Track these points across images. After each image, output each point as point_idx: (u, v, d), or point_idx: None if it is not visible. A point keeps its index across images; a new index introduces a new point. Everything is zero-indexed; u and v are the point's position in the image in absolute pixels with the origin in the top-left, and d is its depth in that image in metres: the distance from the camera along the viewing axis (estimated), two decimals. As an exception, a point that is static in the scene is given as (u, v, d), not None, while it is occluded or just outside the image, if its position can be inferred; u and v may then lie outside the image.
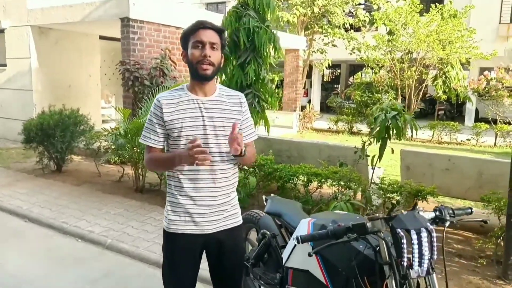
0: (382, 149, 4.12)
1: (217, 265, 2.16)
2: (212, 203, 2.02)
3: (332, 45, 15.37)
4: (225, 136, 2.00)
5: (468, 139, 11.77)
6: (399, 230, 1.68)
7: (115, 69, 7.77)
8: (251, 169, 5.25)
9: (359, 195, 4.97)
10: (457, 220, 1.86)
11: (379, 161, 4.22)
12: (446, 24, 11.80)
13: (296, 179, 5.07)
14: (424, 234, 1.67)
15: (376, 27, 14.93)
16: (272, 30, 4.89)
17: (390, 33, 13.00)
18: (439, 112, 17.82)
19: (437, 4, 12.60)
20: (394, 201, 4.57)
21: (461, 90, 12.35)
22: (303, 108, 14.50)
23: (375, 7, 13.99)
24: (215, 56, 1.96)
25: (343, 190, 4.69)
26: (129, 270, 3.82)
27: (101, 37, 11.04)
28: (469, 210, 1.96)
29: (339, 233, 1.77)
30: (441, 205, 1.90)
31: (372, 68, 13.72)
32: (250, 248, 3.09)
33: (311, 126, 13.86)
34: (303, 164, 5.11)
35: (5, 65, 9.85)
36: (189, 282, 2.13)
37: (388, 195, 4.54)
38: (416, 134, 4.16)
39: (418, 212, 1.79)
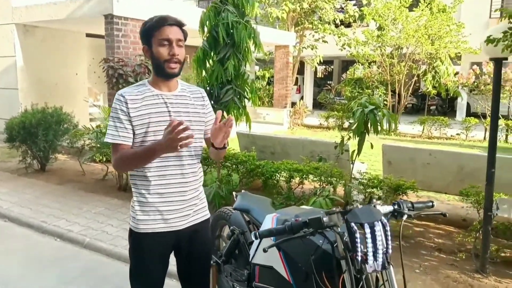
0: (360, 144, 4.11)
1: (186, 261, 2.13)
2: (182, 199, 1.99)
3: (323, 41, 15.34)
4: (191, 131, 1.98)
5: (458, 134, 11.79)
6: (352, 224, 1.66)
7: (99, 66, 7.70)
8: (234, 166, 5.23)
9: (341, 191, 4.96)
10: (416, 214, 1.84)
11: (358, 156, 4.21)
12: (435, 18, 11.78)
13: (279, 175, 5.05)
14: (378, 228, 1.64)
15: (367, 23, 14.92)
16: (253, 26, 4.84)
17: (379, 28, 12.98)
18: (431, 107, 17.85)
19: (426, -2, 12.60)
20: (376, 196, 4.56)
21: (451, 85, 12.36)
22: (294, 104, 14.46)
23: (364, 2, 13.96)
24: (182, 53, 1.95)
25: (324, 185, 4.67)
26: (106, 269, 3.78)
27: (89, 35, 10.94)
28: (430, 204, 1.94)
29: (296, 228, 1.74)
30: (400, 199, 1.88)
31: (362, 64, 13.71)
32: (224, 245, 3.06)
33: (302, 122, 13.84)
34: (285, 160, 5.08)
35: (-10, 64, 9.75)
36: (159, 282, 2.09)
37: (369, 190, 4.52)
38: (396, 128, 4.14)
39: (374, 206, 1.77)
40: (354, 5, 16.07)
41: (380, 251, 1.64)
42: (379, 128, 4.12)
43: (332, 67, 26.01)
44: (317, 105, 20.16)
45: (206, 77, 4.76)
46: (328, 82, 25.95)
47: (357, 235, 1.63)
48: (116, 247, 4.08)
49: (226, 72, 4.58)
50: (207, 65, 4.80)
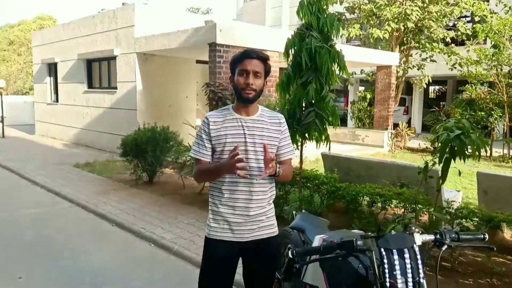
0: (445, 170, 3.87)
1: (250, 272, 2.35)
2: (247, 213, 2.22)
3: (431, 60, 14.52)
4: (264, 153, 2.19)
5: None
6: (382, 249, 1.67)
7: (201, 90, 8.41)
8: (315, 187, 5.28)
9: (426, 219, 4.68)
10: (458, 245, 1.76)
11: (443, 183, 3.96)
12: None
13: (360, 199, 4.96)
14: (407, 255, 1.63)
15: (484, 40, 13.76)
16: (337, 49, 4.91)
17: (494, 46, 11.87)
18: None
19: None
20: (465, 228, 4.23)
21: None
22: (397, 126, 13.84)
23: (477, 19, 12.93)
24: (258, 83, 2.19)
25: (407, 212, 4.47)
26: (188, 276, 4.13)
27: (199, 61, 12.00)
28: (481, 236, 1.83)
29: (329, 249, 1.81)
30: (444, 228, 1.81)
31: (473, 84, 12.61)
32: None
33: (405, 145, 13.17)
34: (368, 184, 4.98)
35: (116, 88, 11.28)
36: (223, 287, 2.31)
37: (457, 220, 4.21)
38: (486, 152, 3.82)
39: (411, 234, 1.74)
40: (469, 22, 14.95)
41: (410, 279, 1.62)
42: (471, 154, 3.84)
43: (445, 87, 24.30)
44: (426, 127, 18.96)
45: (289, 100, 4.94)
46: (442, 103, 24.26)
47: (385, 260, 1.64)
48: (199, 256, 4.40)
49: (308, 95, 4.71)
50: (290, 89, 4.97)
